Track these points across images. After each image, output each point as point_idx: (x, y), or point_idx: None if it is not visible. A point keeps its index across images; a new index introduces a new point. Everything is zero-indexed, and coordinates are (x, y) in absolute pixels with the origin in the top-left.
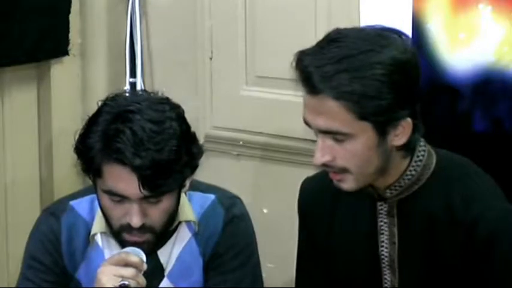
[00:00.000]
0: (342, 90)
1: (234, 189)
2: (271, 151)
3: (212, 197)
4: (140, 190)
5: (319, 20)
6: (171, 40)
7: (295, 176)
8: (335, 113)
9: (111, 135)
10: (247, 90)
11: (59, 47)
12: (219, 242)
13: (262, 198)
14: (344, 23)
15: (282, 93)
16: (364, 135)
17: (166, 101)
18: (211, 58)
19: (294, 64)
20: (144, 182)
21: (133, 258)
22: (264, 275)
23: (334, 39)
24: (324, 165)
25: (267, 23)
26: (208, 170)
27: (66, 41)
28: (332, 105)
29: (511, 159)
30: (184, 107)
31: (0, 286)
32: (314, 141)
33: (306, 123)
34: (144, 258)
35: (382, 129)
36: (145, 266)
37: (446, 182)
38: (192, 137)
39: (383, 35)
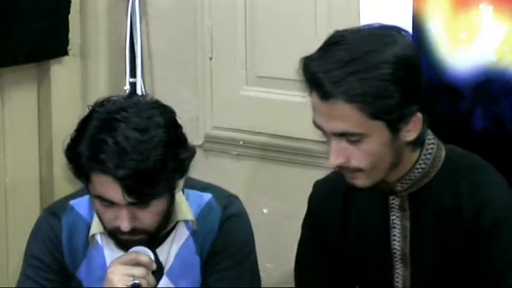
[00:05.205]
0: (353, 93)
1: (233, 189)
2: (271, 151)
3: (209, 195)
4: (124, 198)
5: (319, 20)
6: (171, 40)
7: (295, 176)
8: (348, 116)
9: (96, 145)
10: (247, 90)
11: (59, 47)
12: (216, 240)
13: (262, 198)
14: (344, 23)
15: (282, 93)
16: (377, 134)
17: (156, 105)
18: (211, 58)
19: (300, 70)
20: (128, 191)
21: (144, 258)
22: (263, 275)
23: (337, 42)
24: (339, 166)
25: (267, 23)
26: (208, 170)
27: (66, 41)
28: (344, 108)
29: (511, 159)
30: (184, 106)
31: (0, 286)
32: (314, 141)
33: (317, 126)
34: (153, 257)
35: (395, 127)
36: (154, 266)
37: (455, 175)
38: (181, 142)
39: (384, 34)
